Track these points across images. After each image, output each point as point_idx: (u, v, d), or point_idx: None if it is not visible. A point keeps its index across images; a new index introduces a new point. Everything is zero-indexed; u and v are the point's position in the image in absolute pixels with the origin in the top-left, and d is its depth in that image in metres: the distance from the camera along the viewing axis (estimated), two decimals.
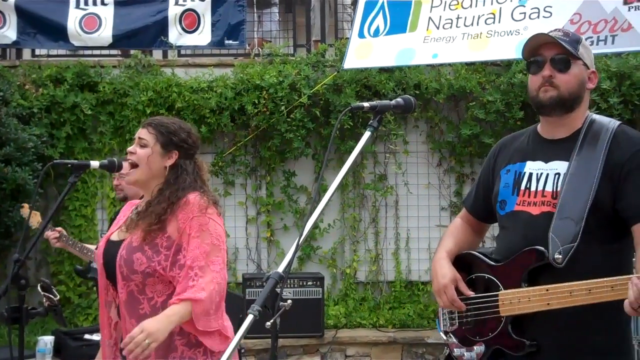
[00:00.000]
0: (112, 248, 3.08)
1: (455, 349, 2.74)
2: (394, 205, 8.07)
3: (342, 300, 7.91)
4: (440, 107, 7.98)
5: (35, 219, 4.93)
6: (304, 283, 7.00)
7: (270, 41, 9.01)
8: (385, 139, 7.95)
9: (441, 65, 7.72)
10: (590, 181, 2.48)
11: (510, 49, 6.47)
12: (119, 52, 8.69)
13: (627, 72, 7.40)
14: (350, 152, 7.68)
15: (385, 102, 2.45)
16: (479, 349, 2.64)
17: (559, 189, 2.53)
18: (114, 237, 3.15)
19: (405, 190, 8.03)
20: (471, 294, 2.67)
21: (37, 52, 8.64)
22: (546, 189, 2.57)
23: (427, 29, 7.06)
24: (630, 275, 2.25)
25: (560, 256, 2.44)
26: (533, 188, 2.61)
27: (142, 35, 8.27)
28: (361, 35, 7.39)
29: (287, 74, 7.78)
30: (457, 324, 2.73)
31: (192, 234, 2.96)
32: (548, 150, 2.64)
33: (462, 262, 2.78)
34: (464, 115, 7.92)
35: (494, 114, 7.55)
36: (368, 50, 7.31)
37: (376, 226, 8.09)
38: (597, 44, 6.28)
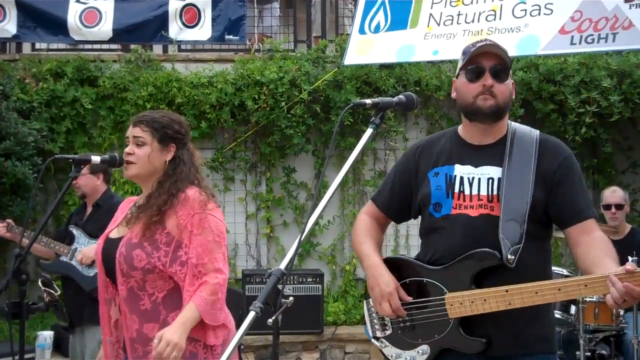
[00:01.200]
0: (111, 245, 3.08)
1: (392, 353, 2.76)
2: None
3: (342, 297, 7.92)
4: (441, 104, 7.99)
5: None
6: (304, 280, 7.01)
7: (271, 37, 9.00)
8: (386, 136, 7.96)
9: (442, 62, 7.72)
10: (526, 187, 2.60)
11: (511, 46, 6.46)
12: (119, 47, 8.68)
13: (627, 70, 7.40)
14: (351, 148, 7.76)
15: (387, 99, 2.45)
16: (421, 348, 2.68)
17: (495, 192, 2.62)
18: (113, 234, 3.15)
19: None
20: (409, 299, 2.70)
21: (37, 46, 8.64)
22: (481, 192, 2.64)
23: (428, 26, 7.07)
24: (606, 274, 2.35)
25: (513, 257, 2.53)
26: (467, 192, 2.67)
27: (142, 29, 8.26)
28: (362, 31, 7.39)
29: (288, 69, 7.77)
30: (392, 329, 2.76)
31: (194, 231, 2.96)
32: (476, 155, 2.71)
33: (396, 267, 2.79)
34: None
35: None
36: (369, 47, 7.32)
37: None
38: (598, 42, 6.29)
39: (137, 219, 3.03)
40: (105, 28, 8.14)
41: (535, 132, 2.74)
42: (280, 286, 2.11)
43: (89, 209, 4.84)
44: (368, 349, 7.33)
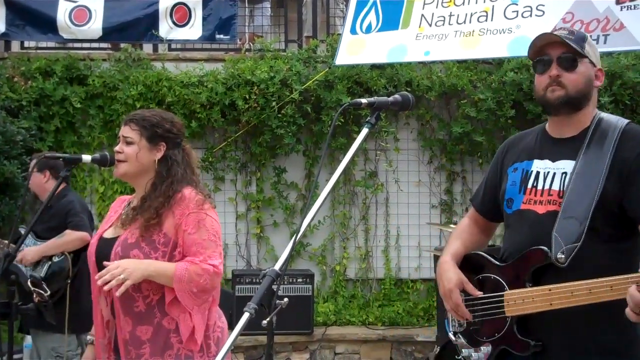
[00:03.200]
0: (105, 245, 3.04)
1: (464, 350, 2.73)
2: (384, 203, 8.06)
3: (332, 297, 7.90)
4: (432, 105, 7.97)
5: None
6: (294, 280, 6.98)
7: (262, 36, 8.97)
8: (376, 136, 7.94)
9: (433, 62, 7.70)
10: (597, 180, 2.45)
11: (502, 47, 6.46)
12: (109, 45, 8.62)
13: (618, 72, 7.40)
14: (342, 149, 7.74)
15: (382, 98, 2.43)
16: (485, 349, 2.63)
17: (565, 188, 2.52)
18: (108, 234, 3.11)
19: (395, 187, 8.03)
20: (479, 294, 2.65)
21: (26, 44, 8.55)
22: (553, 187, 2.56)
23: (420, 26, 7.04)
24: (629, 276, 2.22)
25: (563, 256, 2.42)
26: (540, 187, 2.59)
27: (132, 28, 8.21)
28: (353, 31, 7.36)
29: (279, 69, 7.74)
30: (465, 324, 2.72)
31: (188, 230, 2.94)
32: (555, 149, 2.63)
33: (471, 262, 2.76)
34: (455, 113, 7.91)
35: (485, 112, 7.55)
36: (360, 47, 7.29)
37: (366, 223, 8.07)
38: None
39: (133, 220, 3.00)
40: (95, 26, 8.08)
41: (623, 122, 2.58)
42: (274, 287, 2.09)
43: (40, 209, 4.76)
44: (358, 349, 7.33)
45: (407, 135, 8.10)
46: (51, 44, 8.45)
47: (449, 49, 6.81)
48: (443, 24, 6.93)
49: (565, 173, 2.54)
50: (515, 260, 2.57)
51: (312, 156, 8.03)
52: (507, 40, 6.43)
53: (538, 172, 2.62)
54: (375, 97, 2.42)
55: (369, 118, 2.40)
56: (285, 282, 6.86)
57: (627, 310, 2.17)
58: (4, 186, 6.80)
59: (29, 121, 7.30)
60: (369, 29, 7.28)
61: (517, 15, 6.57)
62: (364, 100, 2.40)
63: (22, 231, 4.70)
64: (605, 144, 2.50)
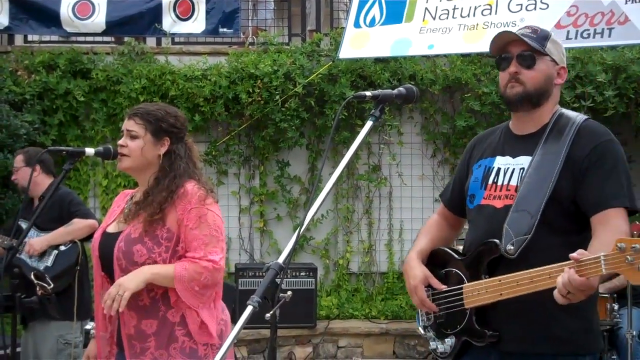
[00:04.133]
0: (108, 240, 3.04)
1: (432, 343, 2.81)
2: (388, 197, 8.05)
3: (335, 291, 7.89)
4: (436, 99, 7.95)
5: None
6: (297, 274, 6.98)
7: (265, 30, 8.94)
8: (380, 130, 7.92)
9: (437, 56, 7.68)
10: (550, 174, 2.52)
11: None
12: (112, 39, 8.61)
13: (623, 65, 7.37)
14: (345, 142, 7.71)
15: (387, 91, 2.42)
16: (450, 341, 2.71)
17: (521, 182, 2.59)
18: (111, 228, 3.10)
19: (399, 181, 8.01)
20: (443, 287, 2.72)
21: (30, 38, 8.54)
22: (511, 182, 2.62)
23: (424, 20, 7.03)
24: (564, 263, 2.28)
25: (513, 247, 2.50)
26: (500, 182, 2.66)
27: (135, 22, 8.19)
28: (357, 25, 7.34)
29: (282, 63, 7.72)
30: (433, 318, 2.78)
31: (190, 225, 2.93)
32: (516, 145, 2.70)
33: (437, 257, 2.84)
34: (459, 107, 7.89)
35: (489, 106, 7.53)
36: (364, 40, 7.27)
37: (369, 217, 8.06)
38: (594, 37, 6.26)
39: (136, 214, 2.98)
40: (98, 20, 8.06)
41: (581, 118, 2.65)
42: (278, 280, 2.08)
43: (36, 202, 4.76)
44: (361, 342, 7.33)
45: (410, 129, 8.08)
46: (54, 38, 8.44)
47: (453, 43, 6.80)
48: (447, 18, 6.91)
49: (523, 168, 2.61)
50: (473, 254, 2.65)
51: (316, 150, 8.01)
52: None
53: (499, 169, 2.69)
54: (380, 90, 2.42)
55: (373, 111, 2.40)
56: (289, 276, 6.85)
57: (555, 292, 2.26)
58: (7, 180, 6.77)
59: (32, 115, 7.29)
60: (372, 23, 7.26)
61: (521, 9, 6.55)
62: (368, 93, 2.40)
63: (22, 225, 4.69)
64: (561, 140, 2.58)
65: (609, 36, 6.18)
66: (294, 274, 6.94)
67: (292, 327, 7.03)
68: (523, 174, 2.59)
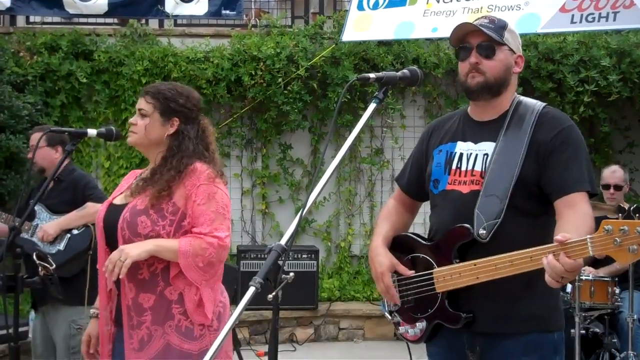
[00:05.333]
0: (114, 211, 3.02)
1: (400, 327, 2.82)
2: (390, 180, 8.04)
3: (337, 273, 7.92)
4: (439, 82, 7.93)
5: None
6: (299, 256, 6.99)
7: (268, 12, 8.91)
8: (383, 113, 7.90)
9: (440, 39, 7.65)
10: (515, 160, 2.57)
11: (511, 24, 6.39)
12: (115, 21, 8.57)
13: (627, 50, 7.34)
14: (347, 126, 7.68)
15: (391, 73, 2.40)
16: (421, 324, 2.72)
17: (486, 168, 2.63)
18: (117, 201, 3.09)
19: (401, 164, 7.91)
20: (411, 273, 2.73)
21: (32, 19, 8.52)
22: (475, 168, 2.65)
23: (428, 3, 7.00)
24: (546, 246, 2.32)
25: (485, 231, 2.53)
26: (463, 168, 2.68)
27: (138, 3, 8.16)
28: (360, 7, 7.31)
29: (285, 45, 7.69)
30: (400, 303, 2.79)
31: (198, 201, 2.92)
32: (477, 131, 2.72)
33: (400, 243, 2.85)
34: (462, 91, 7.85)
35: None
36: (367, 23, 7.25)
37: (372, 200, 8.07)
38: (599, 21, 6.23)
39: (143, 189, 2.98)
40: (101, 2, 8.03)
41: (540, 105, 2.70)
42: (280, 262, 2.08)
43: (51, 184, 4.70)
44: (362, 325, 7.35)
45: (413, 112, 8.06)
46: (57, 19, 8.42)
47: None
48: (451, 1, 6.88)
49: (487, 154, 2.65)
50: (442, 239, 2.66)
51: (318, 133, 8.00)
52: (516, 17, 6.37)
53: (462, 154, 2.71)
54: (384, 72, 2.40)
55: (376, 93, 2.38)
56: (290, 258, 6.86)
57: (547, 277, 2.30)
58: (10, 160, 6.79)
59: (34, 96, 7.28)
60: (376, 5, 7.23)
61: None
62: (372, 75, 2.37)
63: (35, 206, 4.68)
64: (523, 126, 2.63)
65: (614, 20, 6.15)
66: (295, 256, 6.96)
67: (294, 309, 7.06)
68: (487, 160, 2.63)
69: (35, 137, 4.59)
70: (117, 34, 7.91)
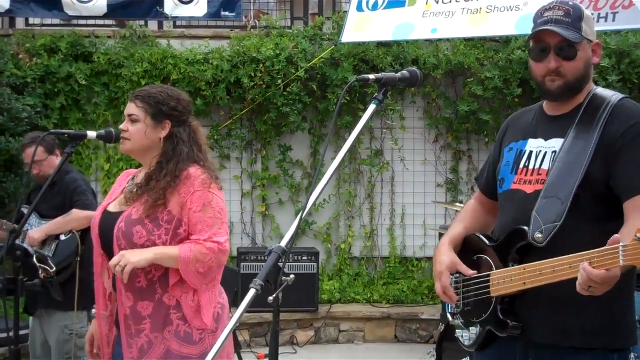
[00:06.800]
0: (109, 219, 3.02)
1: (457, 331, 2.74)
2: (390, 181, 8.04)
3: (337, 275, 7.91)
4: (438, 83, 7.93)
5: None
6: (299, 258, 6.99)
7: (267, 13, 8.91)
8: (382, 114, 7.90)
9: (440, 40, 7.65)
10: (582, 158, 2.39)
11: (510, 25, 6.40)
12: (114, 23, 8.57)
13: (626, 50, 7.34)
14: (347, 127, 7.67)
15: (390, 74, 2.38)
16: (474, 329, 2.63)
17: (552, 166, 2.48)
18: (112, 207, 3.09)
19: (401, 166, 8.00)
20: (472, 273, 2.63)
21: (31, 21, 8.51)
22: (542, 167, 2.51)
23: (427, 3, 6.98)
24: (583, 253, 2.18)
25: (541, 235, 2.39)
26: (531, 166, 2.55)
27: (137, 5, 8.15)
28: (359, 8, 7.31)
29: (284, 46, 7.69)
30: (461, 305, 2.71)
31: (194, 208, 2.91)
32: (548, 127, 2.58)
33: (470, 244, 2.76)
34: (462, 92, 7.86)
35: (491, 91, 7.50)
36: (366, 24, 7.24)
37: (371, 202, 8.06)
38: (598, 21, 6.21)
39: (138, 196, 2.97)
40: (100, 3, 8.01)
41: (616, 97, 2.50)
42: (280, 264, 2.07)
43: (44, 187, 4.66)
44: (362, 327, 7.35)
45: (412, 114, 8.06)
46: (56, 21, 8.41)
47: (456, 27, 6.75)
48: (450, 1, 6.87)
49: (555, 151, 2.49)
50: (501, 241, 2.57)
51: (318, 134, 8.00)
52: (515, 18, 6.37)
53: (531, 152, 2.58)
54: (383, 73, 2.37)
55: (376, 94, 2.36)
56: (290, 260, 6.86)
57: (577, 285, 2.16)
58: (9, 163, 6.79)
59: (33, 98, 7.28)
60: (375, 6, 7.23)
61: None
62: (371, 76, 2.35)
63: (25, 211, 4.66)
64: (595, 121, 2.44)
65: (613, 20, 6.14)
66: (295, 258, 6.96)
67: (294, 311, 7.05)
68: (555, 157, 2.47)
69: (37, 151, 4.55)
70: (117, 35, 7.91)
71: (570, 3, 2.52)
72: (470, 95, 7.69)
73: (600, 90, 2.55)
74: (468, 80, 7.68)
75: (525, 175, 2.55)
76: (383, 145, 8.05)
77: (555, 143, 2.51)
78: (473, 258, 2.68)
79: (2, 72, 7.08)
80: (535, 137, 2.60)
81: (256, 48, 7.66)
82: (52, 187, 4.52)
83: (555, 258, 2.28)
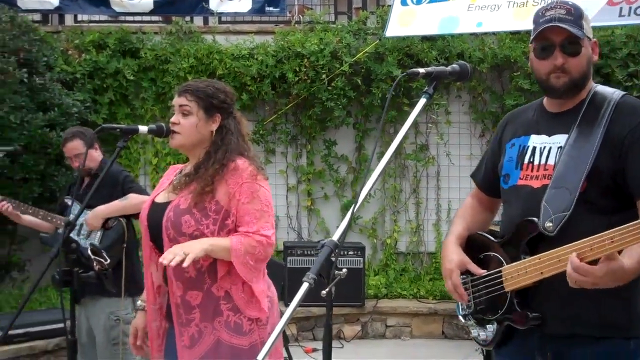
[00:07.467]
0: (157, 210, 3.05)
1: (472, 331, 2.73)
2: (435, 176, 8.02)
3: (383, 270, 7.91)
4: (484, 77, 7.87)
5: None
6: (345, 253, 7.00)
7: (312, 8, 8.95)
8: (427, 109, 7.87)
9: (485, 33, 7.59)
10: (589, 151, 2.42)
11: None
12: (160, 19, 8.68)
13: None
14: (392, 121, 7.66)
15: (441, 68, 2.36)
16: (491, 327, 2.62)
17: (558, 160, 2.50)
18: (159, 198, 3.11)
19: (447, 160, 7.97)
20: (482, 272, 2.63)
21: (79, 17, 8.67)
22: (548, 162, 2.53)
23: None
24: (605, 234, 2.18)
25: (551, 224, 2.40)
26: (536, 162, 2.56)
27: (183, 1, 8.25)
28: (404, 2, 7.28)
29: (329, 41, 7.71)
30: (473, 305, 2.71)
31: (242, 199, 2.94)
32: (551, 123, 2.60)
33: (474, 243, 2.76)
34: (508, 86, 7.80)
35: (538, 85, 7.40)
36: (411, 18, 7.21)
37: (417, 197, 8.05)
38: (629, 15, 6.12)
39: (186, 185, 3.01)
40: (146, 0, 8.13)
41: (618, 94, 2.54)
42: (333, 258, 2.09)
43: (86, 180, 4.75)
44: (410, 322, 7.33)
45: (458, 108, 8.02)
46: (104, 18, 8.55)
47: (501, 20, 6.69)
48: None
49: (561, 147, 2.52)
50: (510, 235, 2.56)
51: (363, 129, 8.00)
52: None
53: (534, 147, 2.60)
54: (433, 67, 2.35)
55: (426, 88, 2.34)
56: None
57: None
58: (60, 157, 6.90)
59: (83, 93, 7.41)
60: (420, 0, 7.19)
61: None
62: (421, 70, 2.33)
63: (68, 202, 4.76)
64: (599, 117, 2.48)
65: (629, 15, 6.04)
66: (342, 252, 6.96)
67: (341, 306, 7.07)
68: (560, 152, 2.50)
69: (75, 145, 4.67)
70: (163, 31, 8.01)
71: (570, 3, 2.56)
72: (517, 90, 7.62)
73: (601, 88, 2.60)
74: (514, 74, 7.62)
75: (532, 171, 2.57)
76: (428, 140, 8.02)
77: (560, 139, 2.54)
78: (479, 257, 2.69)
79: (53, 68, 7.21)
80: (538, 133, 2.62)
81: (301, 43, 7.69)
82: (96, 179, 4.62)
83: (575, 242, 2.27)
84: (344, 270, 2.09)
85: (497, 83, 7.93)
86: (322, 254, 2.09)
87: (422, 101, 2.34)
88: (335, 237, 2.13)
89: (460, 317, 2.79)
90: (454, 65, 2.40)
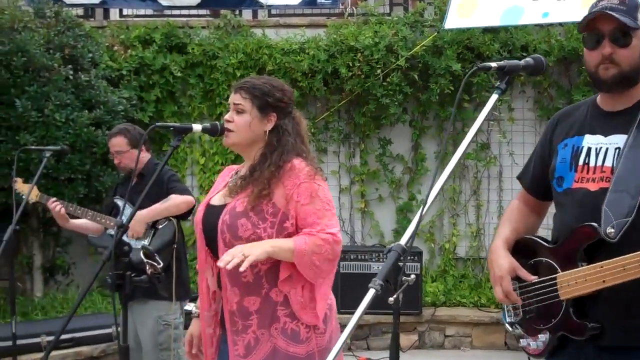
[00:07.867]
0: (213, 212, 3.07)
1: (521, 340, 2.71)
2: (498, 177, 7.94)
3: (441, 276, 7.86)
4: (550, 71, 7.77)
5: (34, 193, 4.89)
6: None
7: (365, 0, 8.93)
8: None
9: (551, 24, 7.50)
10: None
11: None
12: (208, 12, 8.76)
13: None
14: (449, 118, 7.46)
15: (514, 62, 2.35)
16: (543, 336, 2.60)
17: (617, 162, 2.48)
18: (215, 201, 3.14)
19: (509, 160, 7.89)
20: (533, 278, 2.61)
21: (125, 12, 8.81)
22: (605, 164, 2.51)
23: None
24: None
25: (613, 230, 2.37)
26: (592, 163, 2.55)
27: None
28: None
29: (384, 34, 7.69)
30: (521, 313, 2.68)
31: (302, 201, 2.94)
32: (607, 123, 2.58)
33: (522, 247, 2.74)
34: (576, 80, 7.70)
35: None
36: (471, 9, 7.16)
37: (478, 199, 7.98)
38: None
39: (242, 189, 3.03)
40: None
41: None
42: (400, 263, 2.08)
43: (134, 180, 4.83)
44: (470, 332, 7.27)
45: (522, 104, 7.94)
46: (149, 12, 8.67)
47: (569, 10, 6.61)
48: None
49: (619, 148, 2.50)
50: (566, 240, 2.53)
51: (419, 127, 7.97)
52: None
53: (590, 148, 2.58)
54: (506, 61, 2.34)
55: (498, 83, 2.34)
56: None
57: None
58: (106, 157, 7.01)
59: (129, 91, 7.50)
60: None
61: None
62: (493, 64, 2.33)
63: (119, 202, 4.85)
64: None
65: None
66: None
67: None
68: (619, 154, 2.48)
69: (119, 142, 4.78)
70: (211, 25, 8.08)
71: None
72: (586, 84, 7.51)
73: None
74: (583, 67, 7.48)
75: (587, 173, 2.55)
76: (490, 138, 7.95)
77: (617, 139, 2.52)
78: (530, 262, 2.67)
79: (98, 65, 7.31)
80: (593, 133, 2.60)
81: (354, 36, 7.69)
82: (143, 179, 4.74)
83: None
84: (412, 276, 2.08)
85: (564, 77, 7.83)
86: (390, 259, 2.09)
87: (494, 97, 2.34)
88: (403, 241, 2.12)
89: (507, 326, 2.77)
90: (527, 59, 2.40)
